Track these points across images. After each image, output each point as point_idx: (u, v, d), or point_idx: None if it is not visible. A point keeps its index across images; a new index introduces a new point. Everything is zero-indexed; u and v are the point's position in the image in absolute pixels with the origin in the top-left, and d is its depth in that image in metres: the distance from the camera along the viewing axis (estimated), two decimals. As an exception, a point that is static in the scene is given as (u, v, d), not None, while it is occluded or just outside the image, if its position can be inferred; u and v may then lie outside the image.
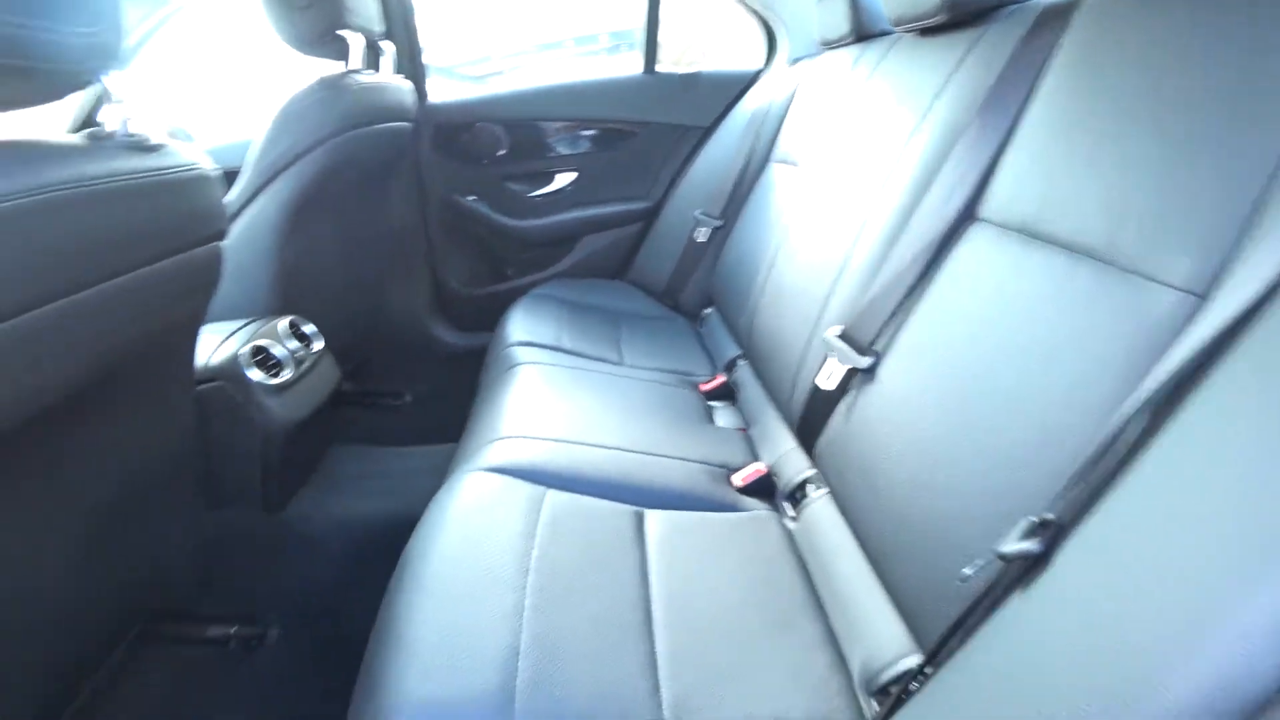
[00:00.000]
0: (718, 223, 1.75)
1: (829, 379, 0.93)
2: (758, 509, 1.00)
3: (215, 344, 1.09)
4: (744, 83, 1.92)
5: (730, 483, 1.04)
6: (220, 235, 0.79)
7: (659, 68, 1.90)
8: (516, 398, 1.17)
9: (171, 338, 0.82)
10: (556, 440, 1.04)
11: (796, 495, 1.00)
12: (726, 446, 1.14)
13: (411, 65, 1.77)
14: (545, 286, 1.82)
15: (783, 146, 1.61)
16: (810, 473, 1.00)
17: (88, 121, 0.67)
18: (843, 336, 0.91)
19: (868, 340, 0.87)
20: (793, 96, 1.66)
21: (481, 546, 0.78)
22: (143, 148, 0.65)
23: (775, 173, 1.59)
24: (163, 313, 0.73)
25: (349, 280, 1.56)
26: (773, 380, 1.20)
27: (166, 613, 1.08)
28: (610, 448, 1.04)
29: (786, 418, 1.11)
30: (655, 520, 0.91)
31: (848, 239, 1.04)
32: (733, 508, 0.99)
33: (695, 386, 1.38)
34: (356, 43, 1.29)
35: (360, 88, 1.28)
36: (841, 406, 0.90)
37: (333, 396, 1.26)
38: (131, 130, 0.65)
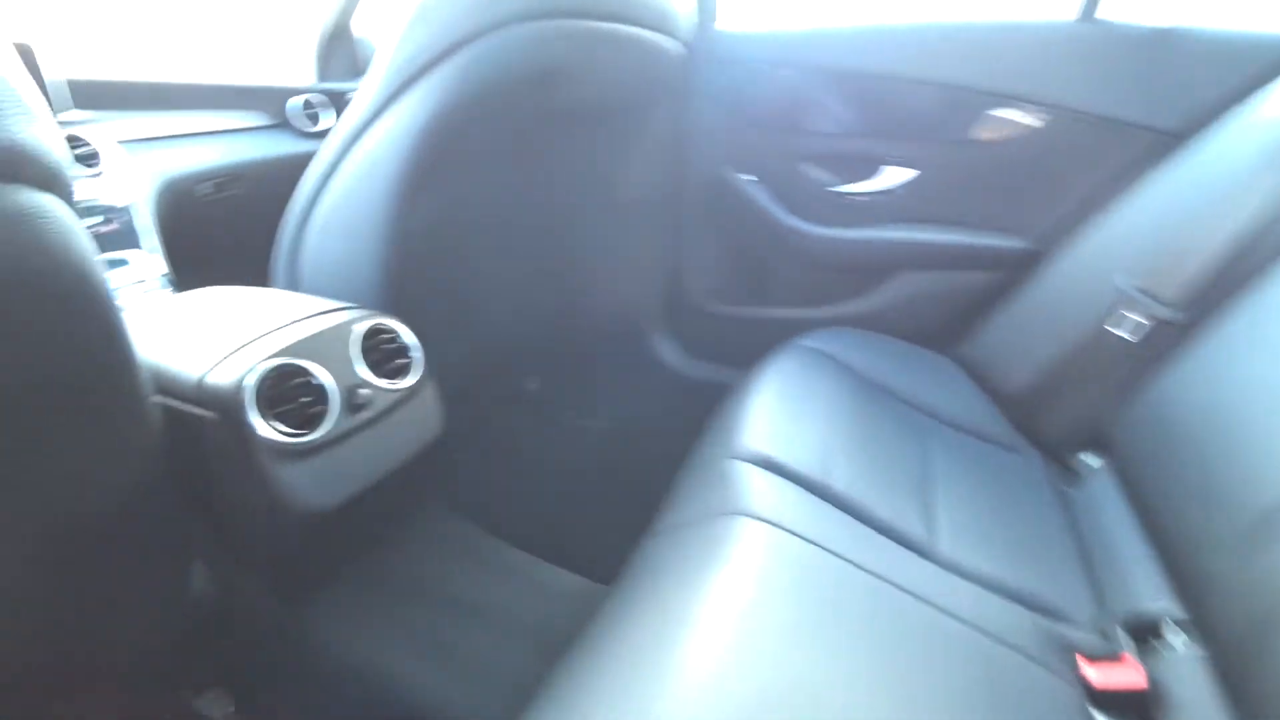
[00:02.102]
0: (1172, 314, 0.95)
1: None
2: None
3: (231, 347, 0.62)
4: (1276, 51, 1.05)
5: None
6: None
7: (1098, 14, 1.11)
8: (710, 621, 0.58)
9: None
10: None
11: None
12: None
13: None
14: (824, 335, 1.18)
15: None
16: None
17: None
18: None
19: None
20: None
21: None
22: None
23: None
24: None
25: (530, 260, 1.07)
26: None
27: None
28: None
29: None
30: None
31: None
32: None
33: (1069, 654, 0.68)
34: None
35: None
36: None
37: (426, 452, 0.77)
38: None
